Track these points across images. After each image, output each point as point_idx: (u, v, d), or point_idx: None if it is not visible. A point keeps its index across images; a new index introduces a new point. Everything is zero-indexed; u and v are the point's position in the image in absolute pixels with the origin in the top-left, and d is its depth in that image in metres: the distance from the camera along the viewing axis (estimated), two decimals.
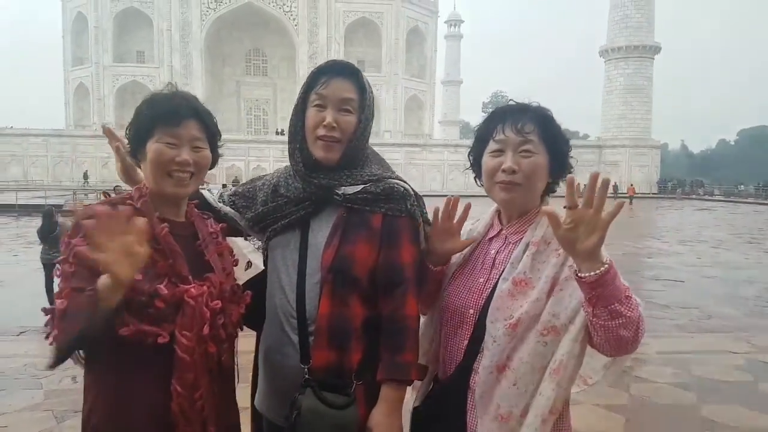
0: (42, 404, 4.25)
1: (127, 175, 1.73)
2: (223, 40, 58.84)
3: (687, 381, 4.87)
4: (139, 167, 1.62)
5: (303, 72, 53.04)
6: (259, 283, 1.74)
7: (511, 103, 1.66)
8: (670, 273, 11.99)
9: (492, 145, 1.62)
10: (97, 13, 55.79)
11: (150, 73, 55.12)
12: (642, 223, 25.81)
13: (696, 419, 4.17)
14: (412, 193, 1.73)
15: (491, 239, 1.71)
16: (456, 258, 1.76)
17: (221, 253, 1.64)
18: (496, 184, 1.61)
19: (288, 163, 1.79)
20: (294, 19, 56.92)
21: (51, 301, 1.87)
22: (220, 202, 1.88)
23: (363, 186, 1.66)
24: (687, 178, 67.32)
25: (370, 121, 1.72)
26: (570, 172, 1.64)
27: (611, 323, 1.33)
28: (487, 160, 1.64)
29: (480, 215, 1.81)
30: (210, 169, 1.61)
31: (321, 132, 1.63)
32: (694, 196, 52.65)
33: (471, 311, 1.61)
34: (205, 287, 1.47)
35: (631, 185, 46.81)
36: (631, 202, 39.65)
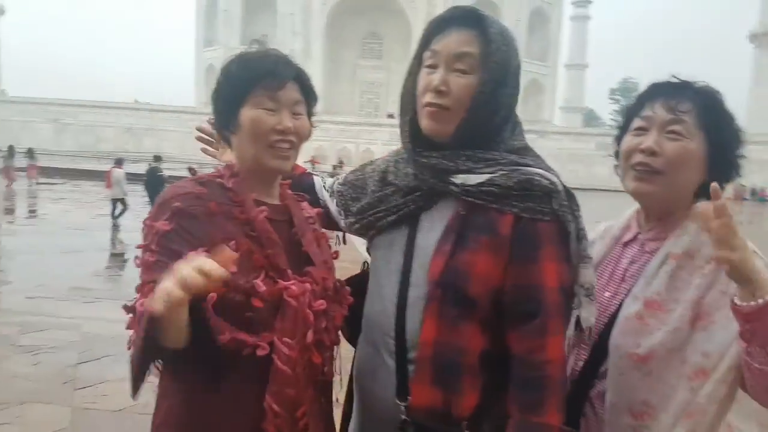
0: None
1: None
2: (342, 24, 59.95)
3: None
4: (228, 143, 1.39)
5: None
6: (357, 284, 1.46)
7: (671, 79, 1.39)
8: None
9: (636, 123, 1.41)
10: None
11: None
12: None
13: None
14: (561, 188, 1.31)
15: (626, 244, 1.48)
16: None
17: (319, 242, 1.42)
18: (630, 169, 1.38)
19: (399, 148, 1.51)
20: (412, 1, 56.44)
21: None
22: (329, 192, 1.63)
23: (490, 176, 1.29)
24: None
25: (503, 85, 1.32)
26: (739, 174, 1.40)
27: None
28: (627, 140, 1.42)
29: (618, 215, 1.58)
30: (305, 139, 1.39)
31: (427, 98, 1.32)
32: None
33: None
34: (307, 284, 1.25)
35: None
36: None
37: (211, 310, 1.11)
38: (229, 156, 1.53)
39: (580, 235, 1.31)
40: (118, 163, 14.44)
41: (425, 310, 1.28)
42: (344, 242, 1.69)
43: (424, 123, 1.35)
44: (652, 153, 1.33)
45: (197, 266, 0.97)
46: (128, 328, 1.14)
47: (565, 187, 1.32)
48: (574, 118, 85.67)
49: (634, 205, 1.52)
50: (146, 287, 1.11)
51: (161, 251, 1.16)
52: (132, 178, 14.84)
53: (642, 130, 1.38)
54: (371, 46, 63.54)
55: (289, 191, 1.48)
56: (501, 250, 1.27)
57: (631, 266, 1.43)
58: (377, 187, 1.50)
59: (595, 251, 1.51)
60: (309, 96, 1.39)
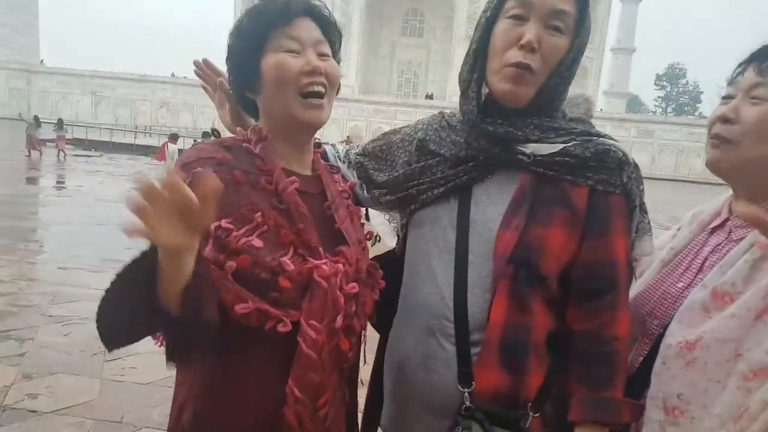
0: None
1: (240, 121, 1.36)
2: (383, 0, 59.02)
3: None
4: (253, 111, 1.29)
5: (460, 34, 51.97)
6: (385, 264, 1.35)
7: None
8: None
9: (725, 91, 1.29)
10: None
11: None
12: None
13: None
14: (632, 160, 1.27)
15: (713, 230, 1.33)
16: (665, 251, 1.38)
17: (353, 219, 1.34)
18: (709, 140, 1.28)
19: (433, 114, 1.45)
20: None
21: None
22: (344, 162, 1.52)
23: (563, 145, 1.24)
24: None
25: (583, 52, 1.26)
26: None
27: None
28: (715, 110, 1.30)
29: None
30: (337, 84, 1.27)
31: (513, 55, 1.20)
32: None
33: (655, 323, 1.28)
34: (339, 264, 1.16)
35: None
36: None
37: (231, 278, 1.05)
38: (227, 116, 1.42)
39: (643, 208, 1.30)
40: (173, 138, 14.39)
41: (494, 289, 1.22)
42: (367, 218, 1.53)
43: (503, 86, 1.23)
44: (725, 120, 1.22)
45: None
46: None
47: (633, 160, 1.29)
48: (617, 103, 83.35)
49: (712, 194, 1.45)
50: None
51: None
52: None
53: (728, 99, 1.27)
54: (412, 23, 62.53)
55: (323, 161, 1.38)
56: (576, 224, 1.23)
57: (712, 255, 1.28)
58: (414, 158, 1.41)
59: (679, 238, 1.41)
60: (332, 35, 1.26)
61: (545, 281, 1.23)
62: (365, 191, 1.49)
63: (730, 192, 1.36)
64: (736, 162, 1.21)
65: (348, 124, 45.96)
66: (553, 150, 1.24)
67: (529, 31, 1.19)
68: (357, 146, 1.59)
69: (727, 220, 1.32)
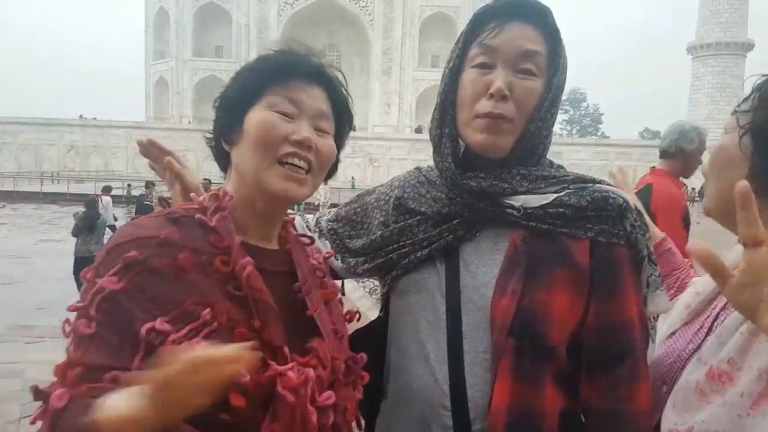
0: None
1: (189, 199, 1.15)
2: (299, 36, 59.47)
3: None
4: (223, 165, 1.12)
5: (376, 68, 52.93)
6: (366, 338, 1.23)
7: None
8: None
9: None
10: (178, 8, 57.67)
11: (228, 68, 56.23)
12: None
13: None
14: (633, 206, 1.14)
15: None
16: (693, 298, 1.19)
17: (329, 301, 1.12)
18: None
19: (409, 170, 1.36)
20: (369, 15, 57.11)
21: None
22: (314, 232, 1.37)
23: (556, 195, 1.12)
24: None
25: (562, 91, 1.16)
26: None
27: None
28: None
29: None
30: (329, 175, 1.14)
31: (484, 106, 1.10)
32: None
33: (664, 389, 1.11)
34: (310, 369, 0.93)
35: None
36: None
37: None
38: (178, 197, 1.26)
39: (651, 259, 1.15)
40: (106, 190, 13.41)
41: (495, 368, 1.06)
42: (343, 293, 1.38)
43: (478, 137, 1.13)
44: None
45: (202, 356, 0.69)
46: (33, 421, 0.80)
47: (635, 205, 1.16)
48: None
49: None
50: (73, 371, 0.81)
51: (103, 320, 0.84)
52: (78, 198, 13.90)
53: None
54: (329, 58, 62.45)
55: (293, 231, 1.19)
56: (581, 283, 1.09)
57: (724, 312, 1.09)
58: (391, 218, 1.27)
59: (707, 282, 1.18)
60: (341, 115, 1.12)
61: (554, 353, 1.08)
62: (340, 261, 1.34)
63: None
64: (707, 202, 1.11)
65: None
66: (544, 201, 1.12)
67: (498, 79, 1.10)
68: (328, 212, 1.46)
69: None
